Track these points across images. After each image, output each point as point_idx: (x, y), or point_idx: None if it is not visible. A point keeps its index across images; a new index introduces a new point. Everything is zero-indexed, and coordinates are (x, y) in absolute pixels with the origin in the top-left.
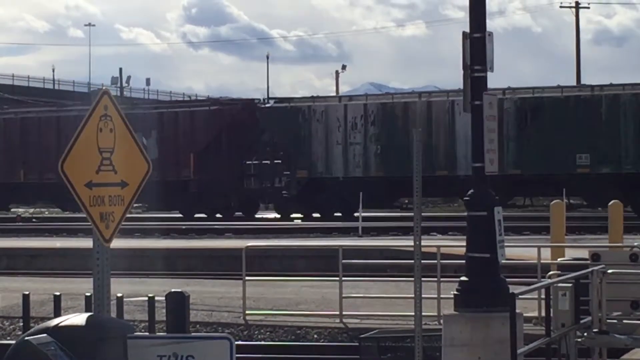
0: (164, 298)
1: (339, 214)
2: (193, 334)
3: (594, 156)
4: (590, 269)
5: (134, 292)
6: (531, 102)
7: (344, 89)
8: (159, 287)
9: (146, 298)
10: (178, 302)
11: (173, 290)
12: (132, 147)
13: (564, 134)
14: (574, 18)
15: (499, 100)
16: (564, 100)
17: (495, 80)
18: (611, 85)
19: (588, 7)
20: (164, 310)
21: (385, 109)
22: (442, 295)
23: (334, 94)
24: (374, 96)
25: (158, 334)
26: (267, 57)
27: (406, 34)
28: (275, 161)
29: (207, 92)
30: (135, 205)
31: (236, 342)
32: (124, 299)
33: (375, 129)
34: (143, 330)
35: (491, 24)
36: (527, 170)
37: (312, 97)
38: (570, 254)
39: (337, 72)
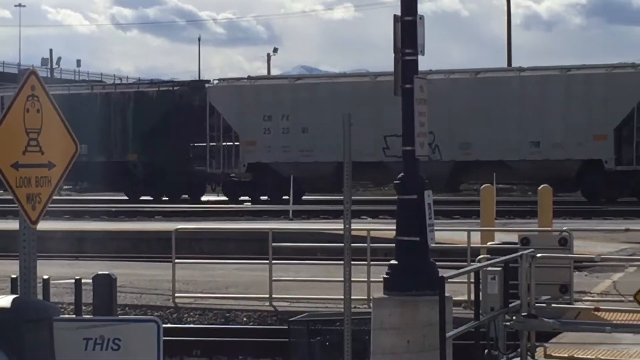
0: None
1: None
2: (120, 316)
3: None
4: (519, 253)
5: (62, 274)
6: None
7: (275, 72)
8: (88, 270)
9: (74, 280)
10: (105, 285)
11: (100, 272)
12: (60, 128)
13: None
14: (504, 2)
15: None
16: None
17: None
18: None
19: None
20: (92, 293)
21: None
22: (372, 279)
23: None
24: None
25: (85, 316)
26: (199, 40)
27: (336, 17)
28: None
29: (136, 74)
30: (65, 187)
31: (165, 325)
32: (52, 282)
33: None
34: (71, 313)
35: (421, 7)
36: None
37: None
38: (500, 238)
39: (268, 55)
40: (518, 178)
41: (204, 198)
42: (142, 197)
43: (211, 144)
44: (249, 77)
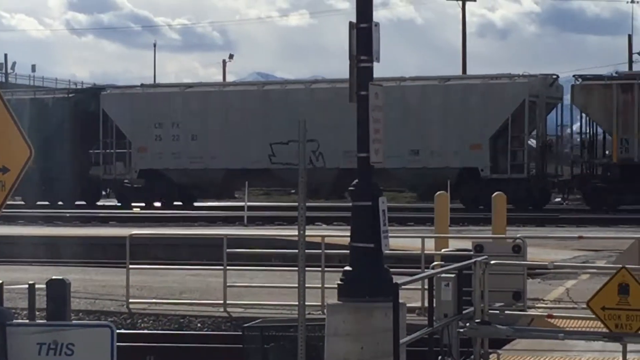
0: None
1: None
2: (74, 321)
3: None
4: (473, 260)
5: (15, 279)
6: None
7: (230, 79)
8: (42, 275)
9: (27, 285)
10: (58, 290)
11: (54, 277)
12: (13, 132)
13: None
14: (459, 10)
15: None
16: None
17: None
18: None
19: (474, 0)
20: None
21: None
22: (326, 285)
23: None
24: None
25: (38, 321)
26: (155, 45)
27: (291, 23)
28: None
29: (91, 79)
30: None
31: (119, 331)
32: (5, 287)
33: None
34: (24, 319)
35: (376, 15)
36: None
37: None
38: (454, 245)
39: (224, 61)
40: (399, 185)
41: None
42: (39, 202)
43: (105, 150)
44: (142, 85)
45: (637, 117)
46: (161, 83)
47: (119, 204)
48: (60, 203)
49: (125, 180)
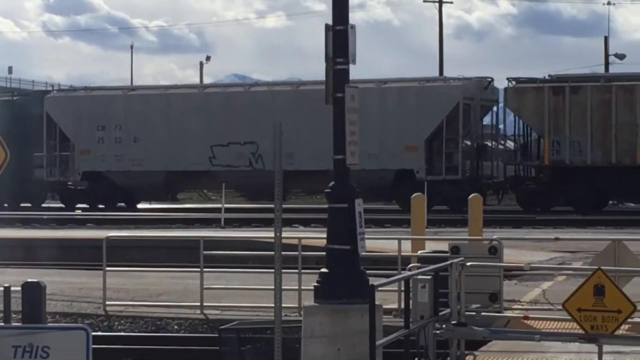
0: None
1: (123, 204)
2: (49, 324)
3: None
4: (449, 262)
5: None
6: None
7: (207, 80)
8: (17, 277)
9: (2, 288)
10: (34, 293)
11: (29, 280)
12: None
13: None
14: (435, 12)
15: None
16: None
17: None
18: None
19: (451, 2)
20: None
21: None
22: (303, 287)
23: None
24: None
25: (13, 324)
26: (132, 47)
27: (268, 25)
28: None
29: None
30: None
31: (96, 333)
32: None
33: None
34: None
35: (352, 17)
36: None
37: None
38: (431, 247)
39: (201, 63)
40: None
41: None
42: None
43: (49, 153)
44: (86, 88)
45: (569, 120)
46: (104, 86)
47: (63, 206)
48: (5, 205)
49: (69, 183)
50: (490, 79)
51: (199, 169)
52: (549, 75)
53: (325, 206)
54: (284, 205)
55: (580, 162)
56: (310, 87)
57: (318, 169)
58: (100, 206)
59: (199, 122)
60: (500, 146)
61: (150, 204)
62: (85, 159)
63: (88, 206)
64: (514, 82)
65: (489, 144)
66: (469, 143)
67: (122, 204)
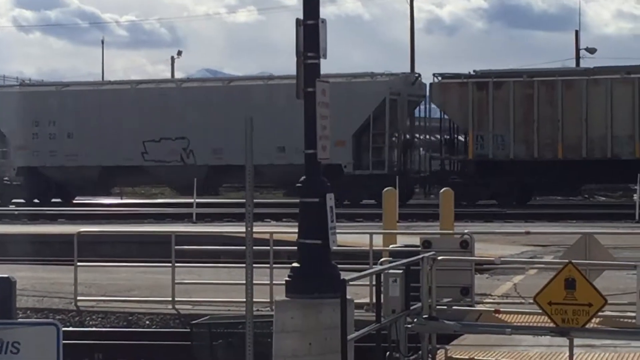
0: None
1: (58, 200)
2: (19, 320)
3: None
4: (420, 256)
5: None
6: None
7: (178, 75)
8: None
9: None
10: (4, 288)
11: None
12: None
13: None
14: (406, 6)
15: None
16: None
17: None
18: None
19: None
20: None
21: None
22: (274, 282)
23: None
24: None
25: None
26: (102, 42)
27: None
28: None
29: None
30: None
31: (67, 329)
32: None
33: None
34: None
35: (323, 11)
36: None
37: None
38: (402, 241)
39: (172, 58)
40: (268, 181)
41: (106, 201)
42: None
43: None
44: (21, 84)
45: (492, 115)
46: (39, 82)
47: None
48: None
49: (5, 178)
50: (417, 75)
51: (132, 164)
52: (474, 71)
53: (297, 200)
54: (256, 201)
55: (504, 157)
56: (240, 83)
57: (243, 163)
58: (35, 201)
59: (131, 118)
60: (432, 139)
61: (121, 198)
62: (21, 155)
63: (24, 201)
64: (439, 78)
65: (417, 139)
66: (395, 138)
67: (58, 200)
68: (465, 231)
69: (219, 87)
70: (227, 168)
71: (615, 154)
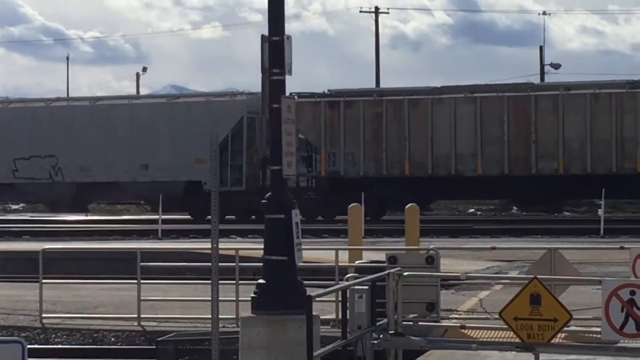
0: None
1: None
2: None
3: None
4: (386, 272)
5: None
6: None
7: (144, 92)
8: None
9: None
10: None
11: None
12: None
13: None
14: (371, 22)
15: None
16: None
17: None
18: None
19: (387, 12)
20: None
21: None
22: (240, 298)
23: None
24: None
25: None
26: (67, 59)
27: (204, 36)
28: None
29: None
30: None
31: (32, 346)
32: None
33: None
34: None
35: (288, 27)
36: None
37: None
38: (368, 257)
39: (137, 74)
40: (132, 198)
41: (71, 218)
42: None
43: None
44: None
45: (343, 133)
46: None
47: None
48: None
49: None
50: None
51: (3, 182)
52: (328, 90)
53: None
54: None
55: (354, 174)
56: (104, 103)
57: (111, 180)
58: None
59: (2, 136)
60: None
61: (86, 215)
62: None
63: None
64: (295, 97)
65: None
66: (253, 156)
67: None
68: (431, 247)
69: (85, 106)
70: (95, 185)
71: (459, 171)
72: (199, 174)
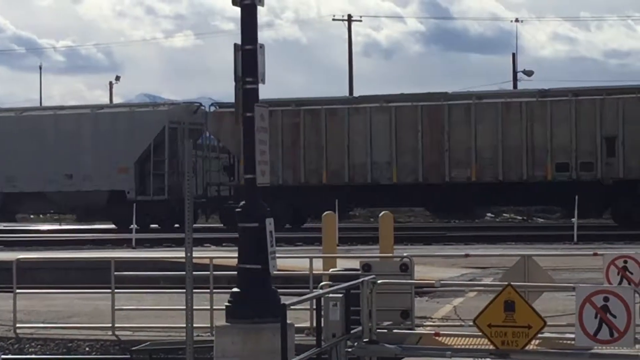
0: None
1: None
2: None
3: None
4: (360, 280)
5: None
6: None
7: (117, 100)
8: None
9: None
10: None
11: None
12: None
13: None
14: (343, 30)
15: None
16: None
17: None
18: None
19: (360, 20)
20: None
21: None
22: (215, 307)
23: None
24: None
25: None
26: (40, 68)
27: (177, 45)
28: None
29: None
30: None
31: (7, 356)
32: None
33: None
34: None
35: (261, 36)
36: None
37: None
38: (343, 265)
39: (110, 83)
40: (58, 208)
41: (45, 227)
42: None
43: None
44: None
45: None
46: None
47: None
48: None
49: None
50: (198, 104)
51: None
52: None
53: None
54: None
55: (274, 182)
56: (31, 113)
57: (37, 190)
58: None
59: None
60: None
61: (60, 225)
62: None
63: None
64: (217, 107)
65: (200, 165)
66: (175, 165)
67: None
68: (405, 254)
69: (11, 117)
70: (21, 195)
71: (375, 179)
72: (122, 184)
